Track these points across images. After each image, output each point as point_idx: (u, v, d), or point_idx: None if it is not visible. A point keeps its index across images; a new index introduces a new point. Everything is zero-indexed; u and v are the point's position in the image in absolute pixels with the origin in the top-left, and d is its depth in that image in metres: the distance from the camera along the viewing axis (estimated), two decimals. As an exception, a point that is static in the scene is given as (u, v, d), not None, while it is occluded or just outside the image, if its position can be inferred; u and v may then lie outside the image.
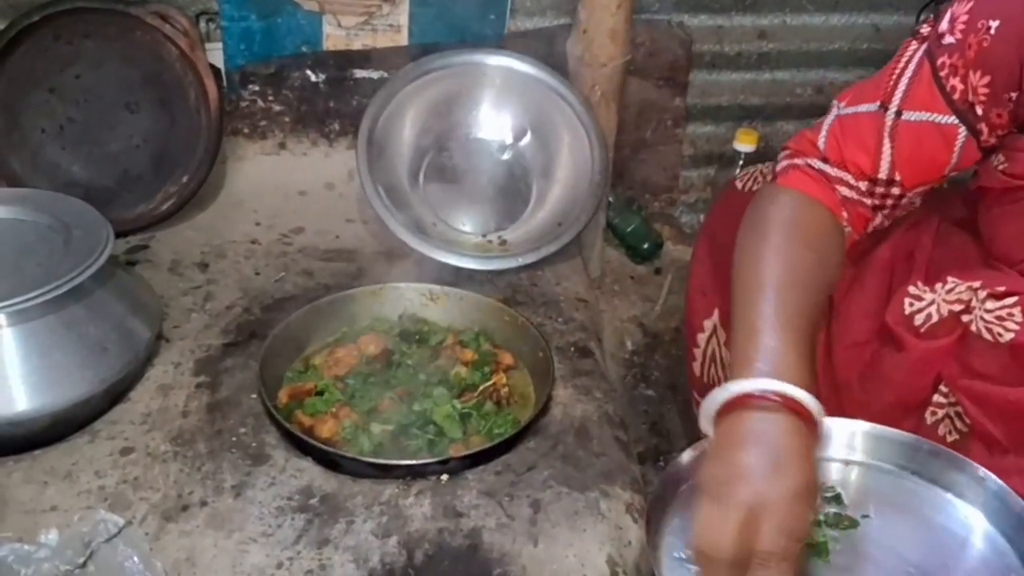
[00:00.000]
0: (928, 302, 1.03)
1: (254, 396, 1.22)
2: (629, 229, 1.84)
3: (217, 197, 1.68)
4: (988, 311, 0.98)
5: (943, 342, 1.02)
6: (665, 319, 1.72)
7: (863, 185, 1.01)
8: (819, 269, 0.94)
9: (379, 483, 1.11)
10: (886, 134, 0.98)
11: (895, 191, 1.01)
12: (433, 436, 1.16)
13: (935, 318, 1.02)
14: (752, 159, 1.72)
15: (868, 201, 1.02)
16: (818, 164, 1.02)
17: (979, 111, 0.94)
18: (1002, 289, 0.98)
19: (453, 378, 1.25)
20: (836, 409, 1.09)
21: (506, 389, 1.25)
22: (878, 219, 1.05)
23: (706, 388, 1.34)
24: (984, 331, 0.97)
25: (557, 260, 1.56)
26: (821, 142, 1.03)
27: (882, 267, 1.12)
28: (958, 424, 1.02)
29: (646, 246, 1.85)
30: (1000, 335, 0.96)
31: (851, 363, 1.13)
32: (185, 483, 1.10)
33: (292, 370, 1.27)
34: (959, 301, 1.01)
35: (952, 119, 0.95)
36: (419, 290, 1.41)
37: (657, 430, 1.49)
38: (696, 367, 1.39)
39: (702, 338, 1.36)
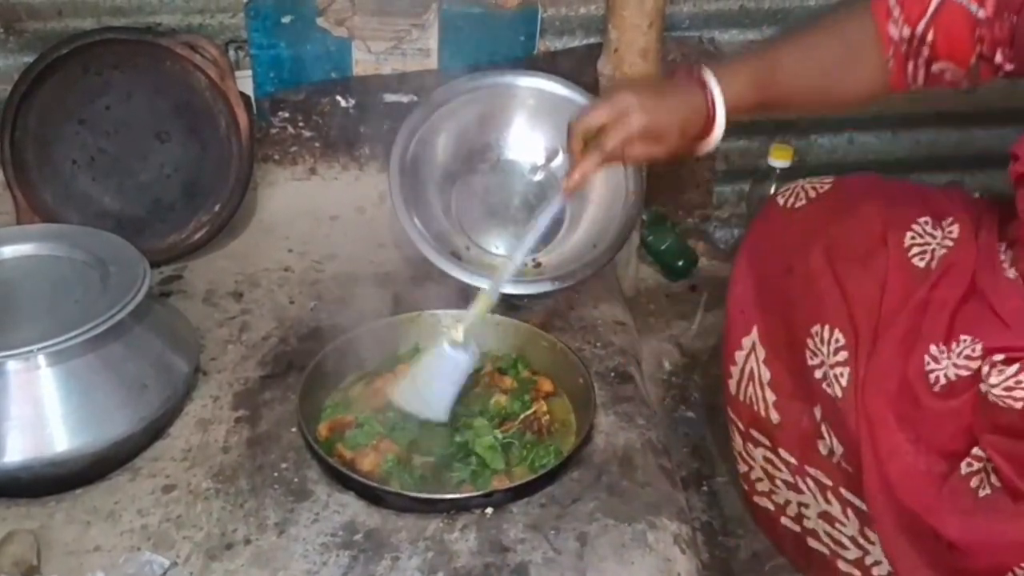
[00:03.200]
0: (943, 365, 1.03)
1: (294, 430, 1.21)
2: (663, 247, 1.81)
3: (249, 224, 1.67)
4: (994, 385, 0.97)
5: (958, 402, 1.01)
6: (703, 338, 1.70)
7: (906, 32, 1.03)
8: (828, 68, 1.08)
9: (423, 517, 1.10)
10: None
11: (925, 52, 1.03)
12: (476, 467, 1.14)
13: (950, 379, 1.02)
14: (787, 175, 1.69)
15: (903, 48, 1.04)
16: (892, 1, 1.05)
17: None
18: (1000, 358, 0.97)
19: (493, 407, 1.23)
20: (867, 440, 1.07)
21: (547, 418, 1.23)
22: (910, 69, 1.05)
23: (742, 408, 1.31)
24: (997, 400, 0.97)
25: (593, 282, 1.53)
26: None
27: (917, 311, 1.09)
28: (992, 479, 1.00)
29: (681, 263, 1.83)
30: (1012, 405, 0.95)
31: (883, 402, 1.10)
32: (228, 521, 1.09)
33: (331, 401, 1.26)
34: (967, 368, 1.01)
35: (980, 10, 0.99)
36: (455, 316, 1.39)
37: (698, 453, 1.46)
38: (732, 385, 1.35)
39: (740, 356, 1.33)
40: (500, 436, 1.18)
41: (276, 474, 1.15)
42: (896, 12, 1.03)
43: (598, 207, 1.59)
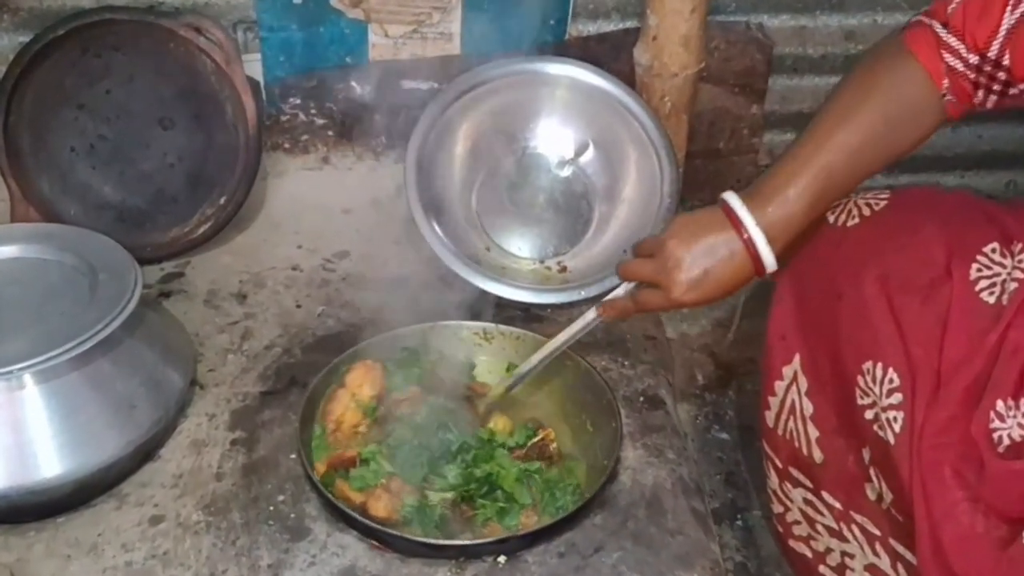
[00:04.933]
0: (1008, 424, 0.92)
1: (293, 456, 1.12)
2: (699, 248, 1.68)
3: (256, 217, 1.57)
4: None
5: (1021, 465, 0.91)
6: (739, 348, 1.58)
7: (973, 59, 0.96)
8: (883, 139, 1.01)
9: (430, 564, 1.01)
10: (1007, 14, 0.93)
11: (1001, 76, 0.95)
12: (503, 503, 1.06)
13: (1014, 440, 0.92)
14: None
15: (972, 76, 0.97)
16: (938, 27, 0.98)
17: None
18: None
19: (498, 432, 1.15)
20: (920, 497, 0.97)
21: (555, 445, 1.14)
22: (980, 96, 0.99)
23: (781, 443, 1.20)
24: None
25: (622, 291, 1.42)
26: (951, 7, 0.97)
27: (986, 357, 0.97)
28: None
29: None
30: None
31: (941, 457, 0.99)
32: (218, 559, 1.01)
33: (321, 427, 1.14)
34: None
35: None
36: (472, 329, 1.29)
37: (733, 482, 1.36)
38: (770, 417, 1.24)
39: (780, 386, 1.22)
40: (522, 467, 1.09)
41: (272, 508, 1.06)
42: (951, 39, 0.97)
43: (631, 209, 1.48)
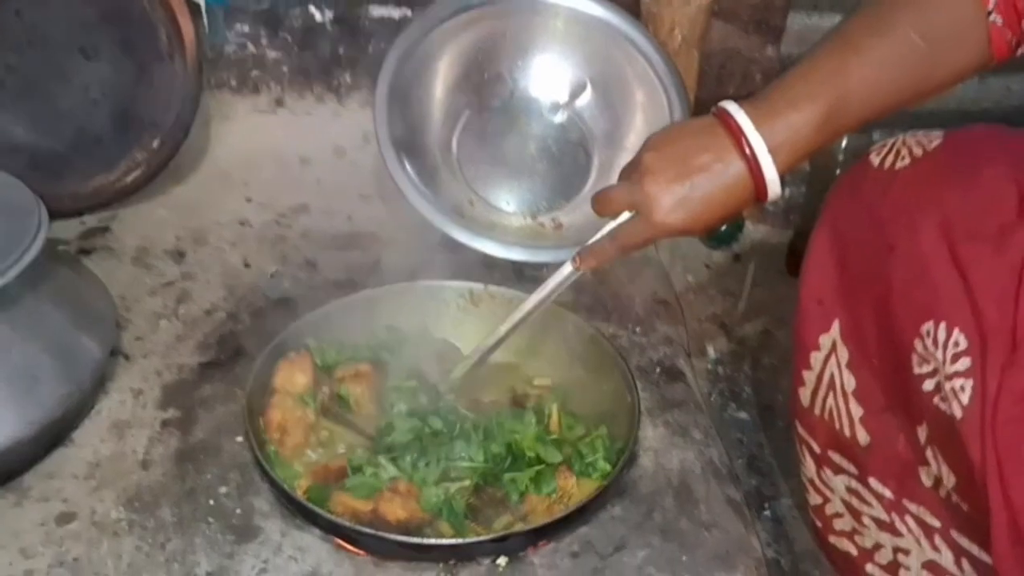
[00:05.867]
0: None
1: (240, 440, 0.91)
2: (704, 208, 1.51)
3: (198, 167, 1.37)
4: None
5: None
6: (751, 319, 1.41)
7: None
8: (917, 57, 0.85)
9: (412, 568, 0.81)
10: None
11: None
12: (537, 470, 0.89)
13: None
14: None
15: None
16: None
17: None
18: None
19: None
20: (996, 479, 0.80)
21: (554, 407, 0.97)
22: None
23: (818, 424, 1.05)
24: None
25: (627, 251, 1.23)
26: None
27: None
28: None
29: (724, 227, 1.51)
30: None
31: (1021, 431, 0.83)
32: (143, 567, 0.81)
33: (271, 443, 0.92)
34: None
35: None
36: (456, 290, 1.09)
37: (756, 467, 1.17)
38: (804, 394, 1.08)
39: (816, 358, 1.06)
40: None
41: (212, 502, 0.86)
42: None
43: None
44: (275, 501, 0.86)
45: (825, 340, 1.02)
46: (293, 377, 0.95)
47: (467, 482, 0.87)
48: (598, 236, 0.90)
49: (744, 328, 1.40)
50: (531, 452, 0.89)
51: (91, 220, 1.25)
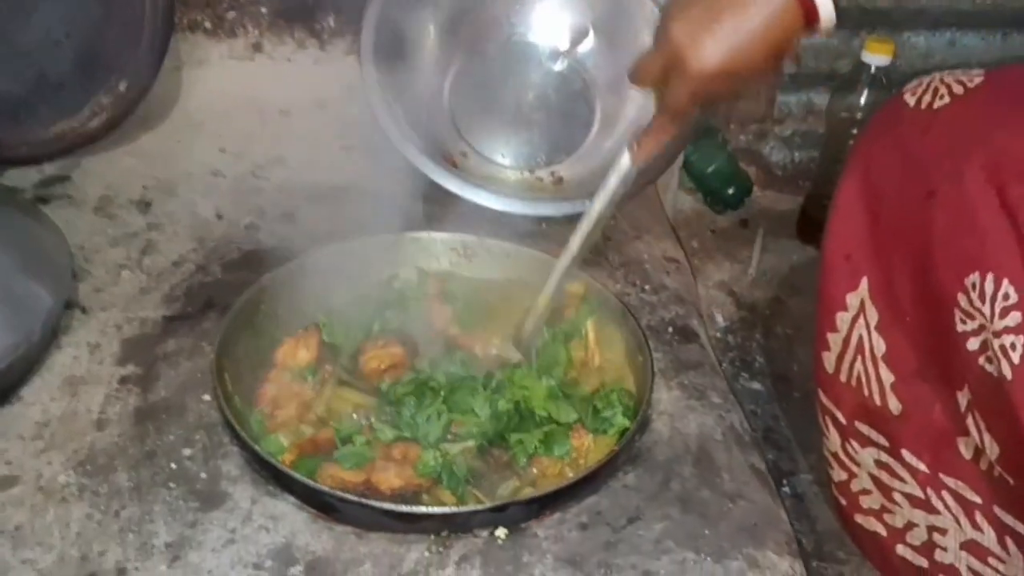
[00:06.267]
0: None
1: (207, 398, 0.81)
2: (711, 168, 1.42)
3: (168, 115, 1.27)
4: None
5: None
6: (761, 287, 1.33)
7: None
8: None
9: (399, 541, 0.71)
10: None
11: None
12: (546, 431, 0.79)
13: None
14: (885, 79, 1.30)
15: None
16: None
17: None
18: None
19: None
20: None
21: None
22: None
23: (844, 392, 0.98)
24: None
25: (633, 205, 1.15)
26: None
27: None
28: None
29: (732, 191, 1.44)
30: None
31: None
32: (94, 537, 0.71)
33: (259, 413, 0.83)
34: None
35: None
36: (448, 243, 1.00)
37: (773, 440, 1.09)
38: (828, 359, 1.00)
39: (842, 320, 0.99)
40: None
41: (174, 466, 0.76)
42: None
43: (640, 106, 1.20)
44: (245, 465, 0.76)
45: (853, 299, 0.94)
46: (296, 353, 0.86)
47: (471, 442, 0.77)
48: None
49: (754, 295, 1.32)
50: (542, 411, 0.80)
51: (51, 168, 1.15)
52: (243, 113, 1.28)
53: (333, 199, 1.13)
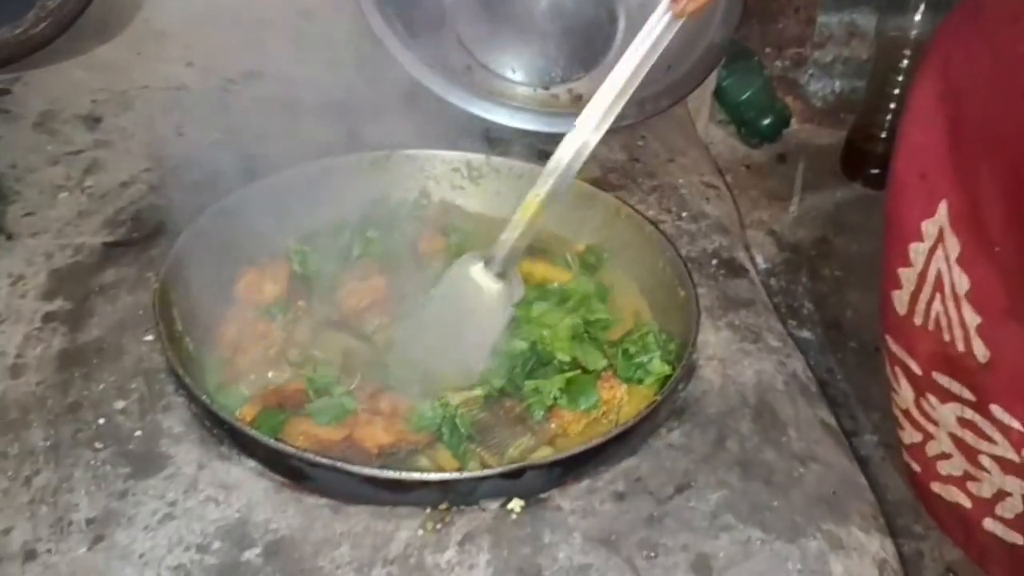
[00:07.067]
0: None
1: (149, 339, 0.66)
2: (745, 96, 1.27)
3: (128, 24, 1.14)
4: None
5: None
6: (805, 226, 1.18)
7: None
8: None
9: (385, 516, 0.56)
10: None
11: None
12: (569, 377, 0.64)
13: None
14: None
15: None
16: None
17: None
18: None
19: None
20: None
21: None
22: None
23: (919, 337, 0.84)
24: None
25: (665, 124, 0.99)
26: None
27: None
28: None
29: (768, 121, 1.29)
30: None
31: None
32: (-2, 511, 0.55)
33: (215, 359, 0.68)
34: None
35: None
36: (450, 161, 0.84)
37: (828, 396, 0.93)
38: (899, 299, 0.86)
39: (916, 251, 0.84)
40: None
41: (103, 421, 0.62)
42: None
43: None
44: (192, 420, 0.61)
45: (929, 227, 0.80)
46: (261, 286, 0.71)
47: (477, 391, 0.62)
48: None
49: (797, 235, 1.18)
50: (564, 354, 0.64)
51: (-11, 80, 1.00)
52: (215, 23, 1.13)
53: (315, 117, 0.96)
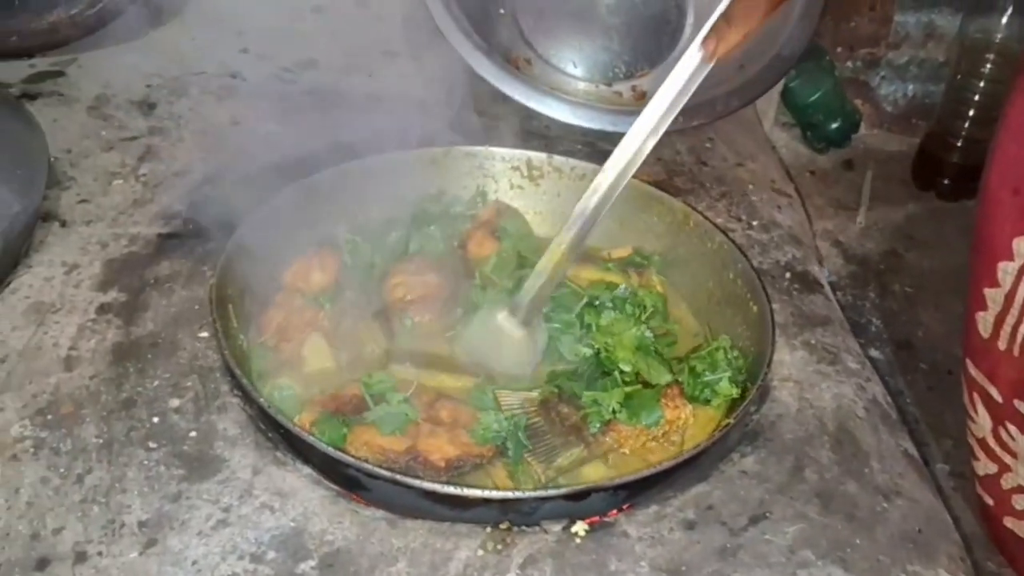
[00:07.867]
0: None
1: (205, 335, 0.64)
2: (814, 98, 1.22)
3: (184, 10, 1.13)
4: None
5: None
6: (873, 238, 1.13)
7: None
8: None
9: (443, 534, 0.53)
10: None
11: None
12: (630, 391, 0.61)
13: None
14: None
15: None
16: None
17: None
18: None
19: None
20: None
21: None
22: None
23: (1005, 364, 0.78)
24: None
25: (733, 127, 0.95)
26: None
27: None
28: None
29: (836, 125, 1.23)
30: None
31: None
32: (48, 508, 0.55)
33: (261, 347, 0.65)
34: None
35: None
36: (509, 160, 0.81)
37: (902, 419, 0.89)
38: (984, 322, 0.80)
39: (1006, 271, 0.79)
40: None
41: (157, 419, 0.60)
42: None
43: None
44: (248, 423, 0.59)
45: (1021, 246, 0.74)
46: (309, 275, 0.69)
47: (534, 392, 0.59)
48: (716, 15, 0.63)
49: (865, 247, 1.12)
50: (628, 364, 0.61)
51: (42, 63, 1.00)
52: (270, 10, 1.10)
53: (370, 108, 0.94)
